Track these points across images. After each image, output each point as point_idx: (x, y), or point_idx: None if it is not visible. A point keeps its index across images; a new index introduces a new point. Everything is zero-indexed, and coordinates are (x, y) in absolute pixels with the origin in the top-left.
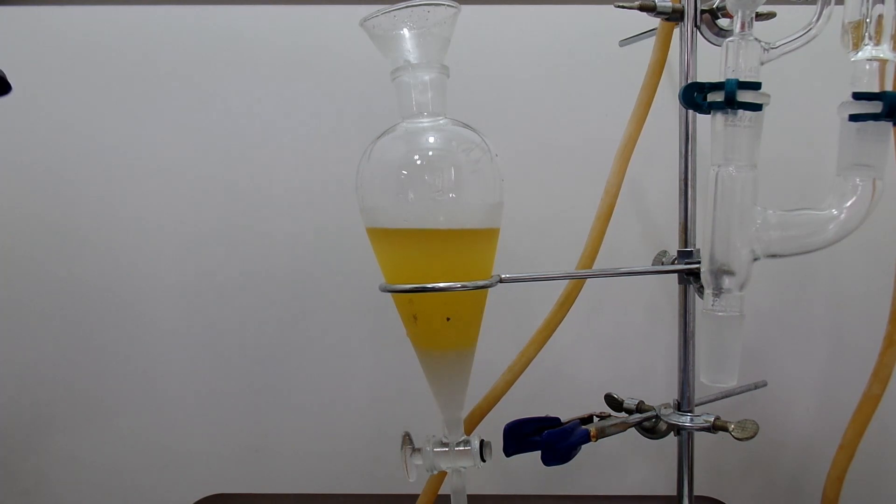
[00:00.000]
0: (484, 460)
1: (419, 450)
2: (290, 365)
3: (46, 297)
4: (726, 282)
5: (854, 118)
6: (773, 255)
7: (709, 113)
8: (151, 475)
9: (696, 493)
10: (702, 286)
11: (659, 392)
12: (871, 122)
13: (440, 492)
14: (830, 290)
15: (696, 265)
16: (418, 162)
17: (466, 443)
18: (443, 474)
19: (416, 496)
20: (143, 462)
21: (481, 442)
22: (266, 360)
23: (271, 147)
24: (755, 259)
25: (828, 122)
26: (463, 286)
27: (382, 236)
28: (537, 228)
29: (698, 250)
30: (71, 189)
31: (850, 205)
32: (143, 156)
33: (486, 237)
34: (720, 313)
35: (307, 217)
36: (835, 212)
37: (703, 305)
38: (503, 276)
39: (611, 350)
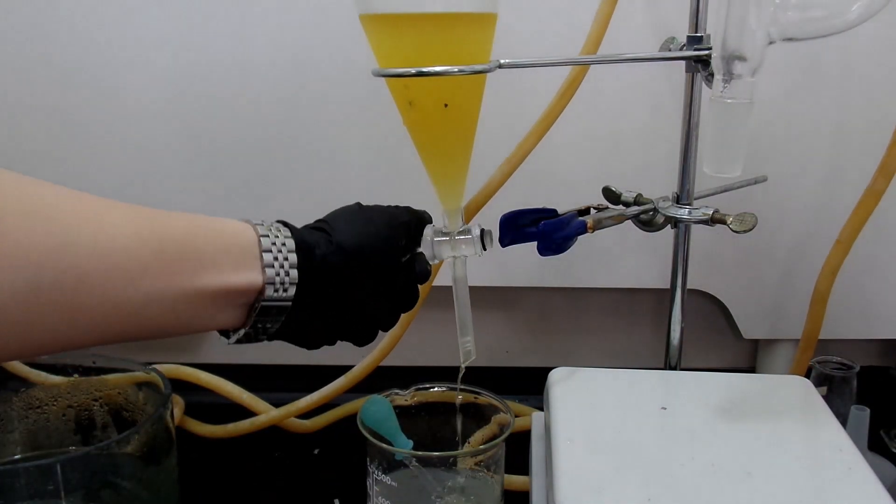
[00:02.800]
0: (485, 248)
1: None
2: (284, 157)
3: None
4: (738, 67)
5: None
6: (790, 39)
7: None
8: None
9: (688, 286)
10: (711, 74)
11: (658, 186)
12: None
13: (437, 284)
14: (840, 86)
15: (707, 51)
16: None
17: (467, 231)
18: (435, 268)
19: None
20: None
21: (482, 230)
22: (256, 158)
23: None
24: (770, 42)
25: None
26: (460, 70)
27: (376, 22)
28: (538, 12)
29: (709, 35)
30: None
31: None
32: None
33: (482, 21)
34: (729, 100)
35: None
36: None
37: (711, 93)
38: (502, 61)
39: (611, 142)
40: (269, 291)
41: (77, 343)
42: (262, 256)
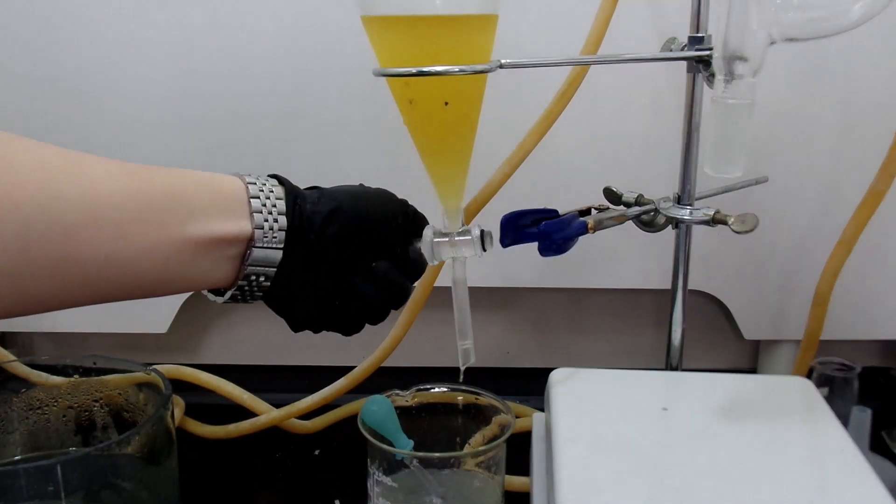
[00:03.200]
0: (485, 249)
1: (419, 240)
2: (283, 157)
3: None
4: (739, 67)
5: None
6: (791, 39)
7: None
8: None
9: (689, 287)
10: (712, 74)
11: (659, 186)
12: None
13: (437, 284)
14: (841, 86)
15: (708, 52)
16: None
17: (466, 232)
18: (436, 269)
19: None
20: None
21: (482, 231)
22: (255, 158)
23: None
24: (771, 43)
25: None
26: (461, 70)
27: (377, 24)
28: (540, 12)
29: (710, 36)
30: None
31: None
32: None
33: (483, 23)
34: (730, 100)
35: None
36: None
37: (712, 94)
38: (503, 61)
39: (612, 142)
40: (259, 239)
41: (71, 298)
42: (250, 203)
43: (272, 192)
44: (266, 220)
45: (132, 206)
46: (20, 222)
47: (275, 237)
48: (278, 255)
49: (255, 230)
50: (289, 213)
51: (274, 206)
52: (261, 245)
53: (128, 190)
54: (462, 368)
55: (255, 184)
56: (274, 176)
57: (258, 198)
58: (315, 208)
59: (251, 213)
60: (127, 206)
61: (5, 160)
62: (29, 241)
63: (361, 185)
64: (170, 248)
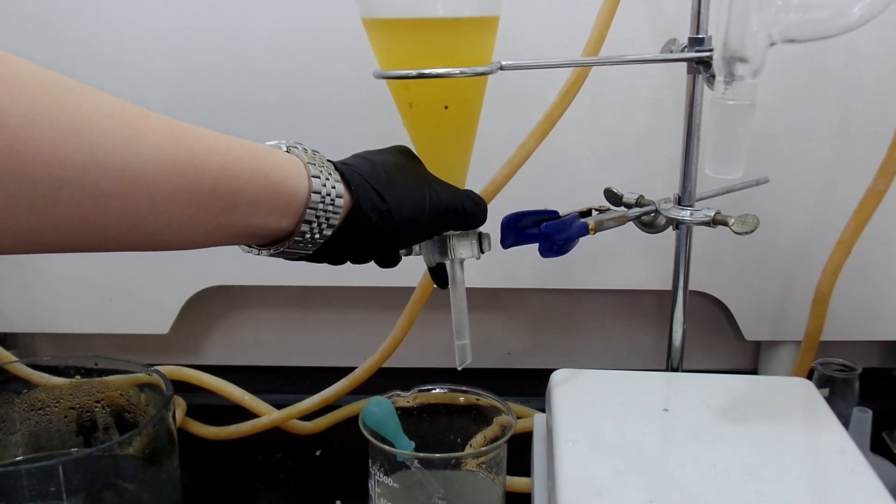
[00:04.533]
0: (483, 251)
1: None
2: None
3: None
4: (739, 69)
5: None
6: (792, 40)
7: None
8: (147, 269)
9: (690, 288)
10: (712, 75)
11: (659, 187)
12: None
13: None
14: (841, 87)
15: (708, 53)
16: None
17: (465, 234)
18: None
19: (411, 289)
20: (137, 255)
21: (479, 234)
22: None
23: None
24: (772, 44)
25: None
26: (461, 72)
27: (378, 26)
28: (540, 13)
29: (710, 37)
30: None
31: None
32: None
33: (484, 25)
34: (731, 102)
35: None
36: None
37: (712, 95)
38: (504, 62)
39: (612, 144)
40: (295, 239)
41: (90, 249)
42: (304, 212)
43: (333, 203)
44: (311, 229)
45: (175, 186)
46: (52, 182)
47: (312, 242)
48: (308, 253)
49: (295, 239)
50: (338, 229)
51: (327, 220)
52: (293, 245)
53: (176, 167)
54: (459, 367)
55: (320, 193)
56: (342, 174)
57: (315, 209)
58: (367, 226)
59: (300, 221)
60: (170, 186)
61: (49, 115)
62: (57, 202)
63: (419, 165)
64: (202, 229)
